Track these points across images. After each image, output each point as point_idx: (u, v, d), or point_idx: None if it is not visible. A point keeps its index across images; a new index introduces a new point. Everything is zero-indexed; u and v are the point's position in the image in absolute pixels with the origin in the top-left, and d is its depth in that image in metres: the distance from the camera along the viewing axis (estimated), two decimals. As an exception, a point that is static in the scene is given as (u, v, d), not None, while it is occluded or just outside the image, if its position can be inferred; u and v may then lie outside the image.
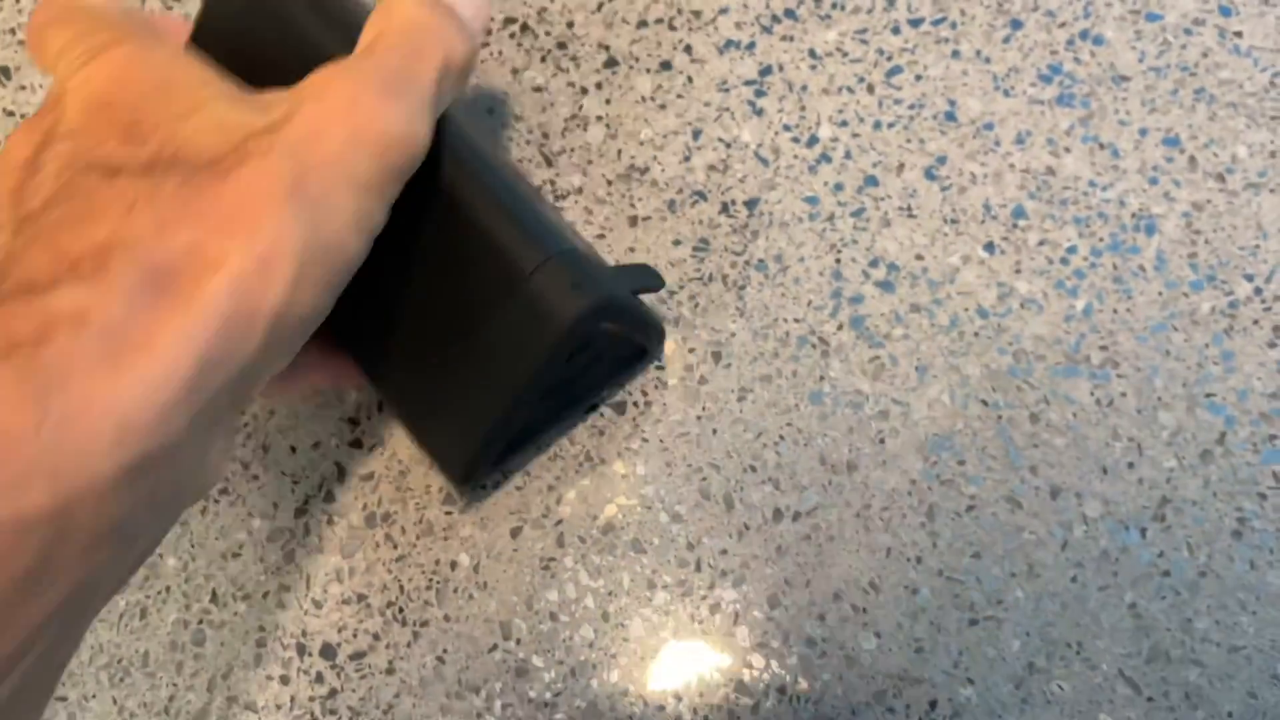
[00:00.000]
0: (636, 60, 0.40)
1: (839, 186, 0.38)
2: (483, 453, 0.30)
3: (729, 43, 0.40)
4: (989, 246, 0.37)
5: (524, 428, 0.34)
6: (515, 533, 0.35)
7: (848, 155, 0.38)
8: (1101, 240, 0.37)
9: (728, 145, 0.39)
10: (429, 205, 0.27)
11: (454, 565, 0.35)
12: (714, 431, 0.36)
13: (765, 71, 0.40)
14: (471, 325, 0.27)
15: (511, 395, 0.28)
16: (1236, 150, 0.38)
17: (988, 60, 0.39)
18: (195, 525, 0.36)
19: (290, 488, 0.36)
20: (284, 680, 0.35)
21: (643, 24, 0.40)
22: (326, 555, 0.35)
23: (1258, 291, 0.36)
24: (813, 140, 0.39)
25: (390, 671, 0.34)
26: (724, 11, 0.40)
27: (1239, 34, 0.39)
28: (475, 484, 0.35)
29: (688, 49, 0.40)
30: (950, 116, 0.39)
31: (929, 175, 0.38)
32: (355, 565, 0.35)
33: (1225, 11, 0.40)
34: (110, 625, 0.35)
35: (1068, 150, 0.38)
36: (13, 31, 0.42)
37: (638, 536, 0.35)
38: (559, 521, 0.35)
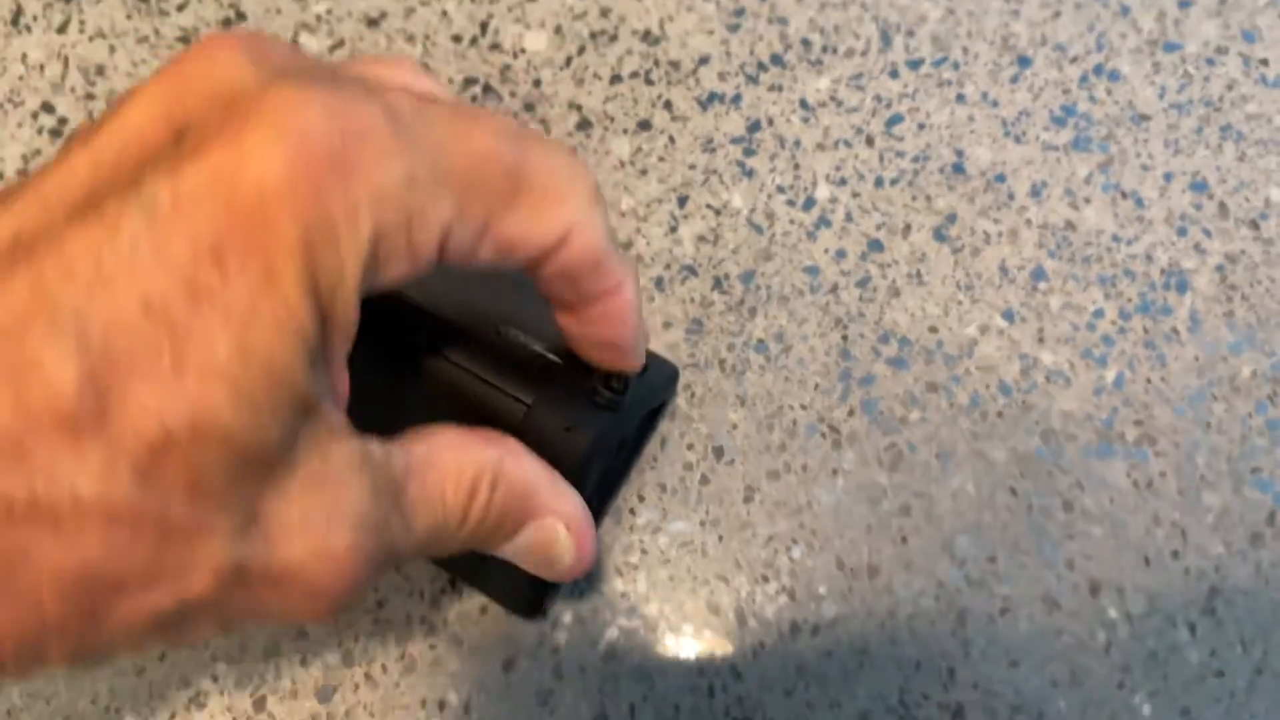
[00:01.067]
0: (612, 120, 0.36)
1: (841, 253, 0.35)
2: (542, 586, 0.29)
3: (712, 96, 0.36)
4: (1008, 314, 0.34)
5: None
6: (508, 665, 0.32)
7: (848, 217, 0.35)
8: (1130, 301, 0.34)
9: (717, 212, 0.35)
10: (417, 367, 0.25)
11: (442, 705, 0.32)
12: (720, 538, 0.32)
13: (754, 127, 0.36)
14: None
15: None
16: (1270, 193, 0.35)
17: (995, 103, 0.36)
18: (152, 673, 0.32)
19: (256, 623, 0.32)
20: (262, 840, 0.31)
21: (616, 79, 0.37)
22: (301, 700, 0.32)
23: (1301, 350, 0.34)
24: (809, 202, 0.35)
25: (379, 825, 0.31)
26: (704, 61, 0.37)
27: (1265, 62, 0.36)
28: (546, 613, 0.32)
29: (667, 105, 0.36)
30: (958, 169, 0.35)
31: (938, 236, 0.35)
32: (334, 710, 0.32)
33: (1249, 37, 0.36)
34: (64, 793, 0.31)
35: (1088, 201, 0.35)
36: None
37: (642, 662, 0.32)
38: (555, 650, 0.32)
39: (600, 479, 0.31)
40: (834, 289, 0.34)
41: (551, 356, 0.27)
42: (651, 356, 0.31)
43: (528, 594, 0.29)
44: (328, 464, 0.18)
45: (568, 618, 0.32)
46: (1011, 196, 0.35)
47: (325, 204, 0.17)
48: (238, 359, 0.16)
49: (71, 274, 0.15)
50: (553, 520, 0.24)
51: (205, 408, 0.16)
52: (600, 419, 0.26)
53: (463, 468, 0.21)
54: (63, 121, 0.36)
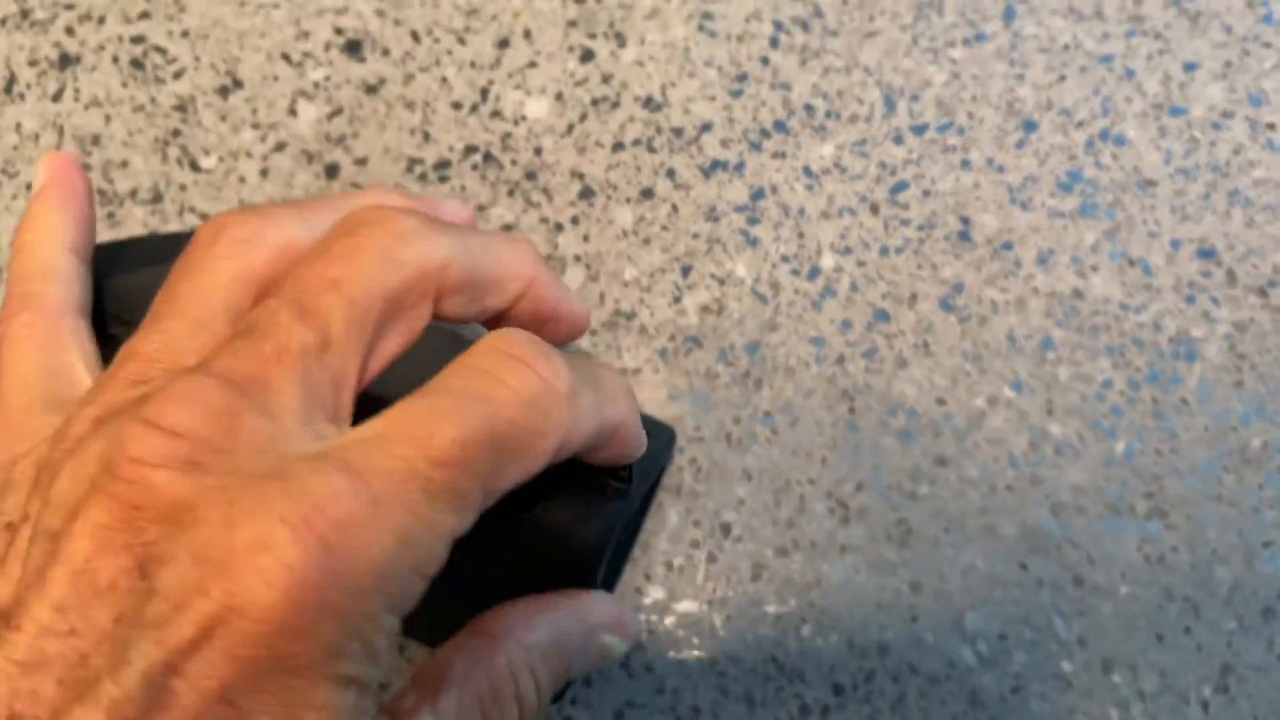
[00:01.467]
0: (614, 189, 0.36)
1: (847, 324, 0.34)
2: None
3: (715, 163, 0.36)
4: (1016, 384, 0.34)
5: None
6: (515, 750, 0.31)
7: (854, 287, 0.35)
8: (1138, 370, 0.34)
9: (721, 282, 0.35)
10: None
11: (448, 792, 0.31)
12: (728, 618, 0.32)
13: (757, 195, 0.36)
14: (500, 582, 0.25)
15: None
16: (1278, 260, 0.35)
17: (1001, 169, 0.36)
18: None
19: None
20: None
21: (619, 146, 0.36)
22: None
23: (1311, 420, 0.33)
24: (814, 272, 0.35)
25: None
26: (707, 128, 0.36)
27: (1272, 126, 0.36)
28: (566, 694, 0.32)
29: (670, 173, 0.36)
30: (964, 236, 0.35)
31: (945, 306, 0.35)
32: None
33: (1255, 101, 0.36)
34: None
35: (1095, 269, 0.35)
36: None
37: (651, 745, 0.31)
38: (563, 734, 0.31)
39: (610, 558, 0.31)
40: (840, 360, 0.34)
41: None
42: (648, 422, 0.31)
43: None
44: None
45: (573, 704, 0.32)
46: (1018, 265, 0.35)
47: (333, 618, 0.16)
48: None
49: None
50: (593, 636, 0.24)
51: None
52: (610, 509, 0.26)
53: (499, 696, 0.21)
54: (58, 193, 0.36)
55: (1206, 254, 0.35)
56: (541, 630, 0.23)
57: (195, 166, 0.36)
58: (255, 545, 0.16)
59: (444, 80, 0.37)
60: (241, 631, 0.15)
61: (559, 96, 0.37)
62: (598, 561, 0.25)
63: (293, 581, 0.15)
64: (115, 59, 0.37)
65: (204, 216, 0.36)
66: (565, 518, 0.25)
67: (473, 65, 0.37)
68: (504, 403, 0.19)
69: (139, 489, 0.16)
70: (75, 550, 0.16)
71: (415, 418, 0.18)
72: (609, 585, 0.32)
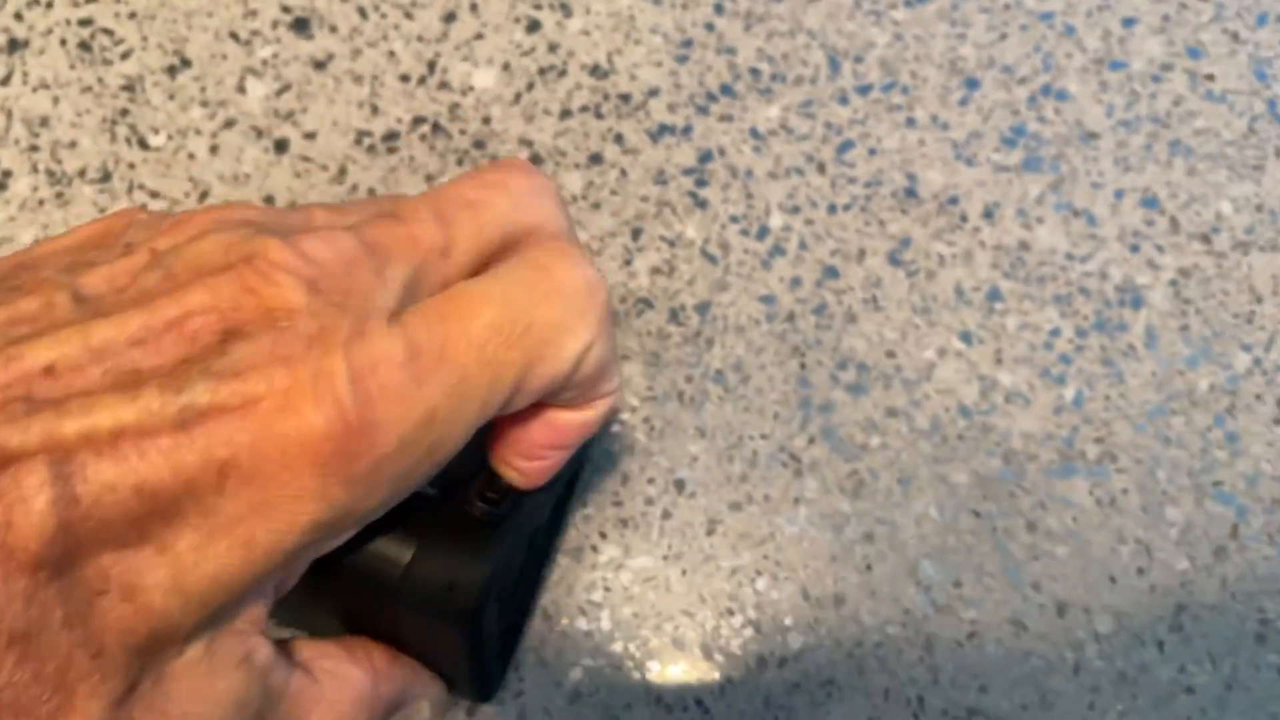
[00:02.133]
0: (563, 155, 0.36)
1: (796, 281, 0.35)
2: (481, 679, 0.28)
3: (663, 128, 0.36)
4: (965, 336, 0.34)
5: (511, 623, 0.31)
6: (471, 711, 0.31)
7: (802, 245, 0.35)
8: (1086, 319, 0.34)
9: (671, 244, 0.35)
10: None
11: (406, 754, 0.31)
12: (683, 573, 0.32)
13: (705, 158, 0.36)
14: (395, 620, 0.24)
15: (463, 662, 0.26)
16: (1220, 207, 0.35)
17: (945, 126, 0.36)
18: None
19: None
20: None
21: (566, 114, 0.36)
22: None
23: (1257, 362, 0.34)
24: (763, 231, 0.35)
25: None
26: (654, 93, 0.37)
27: (1210, 77, 0.36)
28: (497, 691, 0.31)
29: (618, 138, 0.36)
30: (910, 193, 0.35)
31: (893, 260, 0.35)
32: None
33: (1193, 53, 0.37)
34: None
35: (1040, 220, 0.35)
36: None
37: (608, 702, 0.31)
38: (519, 694, 0.31)
39: (517, 575, 0.29)
40: (790, 317, 0.34)
41: (425, 490, 0.23)
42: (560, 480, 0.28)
43: (475, 681, 0.28)
44: (214, 655, 0.19)
45: (530, 660, 0.31)
46: (964, 219, 0.35)
47: (345, 463, 0.18)
48: (194, 560, 0.17)
49: (90, 439, 0.16)
50: (420, 703, 0.25)
51: (145, 586, 0.17)
52: (488, 560, 0.23)
53: (337, 703, 0.22)
54: (7, 174, 0.36)
55: (1150, 203, 0.35)
56: (391, 689, 0.24)
57: (144, 145, 0.36)
58: (323, 371, 0.18)
59: (391, 54, 0.37)
60: (272, 429, 0.17)
61: (506, 66, 0.37)
62: (481, 603, 0.23)
63: (336, 416, 0.17)
64: (63, 41, 0.37)
65: (154, 194, 0.36)
66: (437, 579, 0.23)
67: (420, 39, 0.37)
68: (545, 293, 0.20)
69: (262, 280, 0.18)
70: (189, 297, 0.18)
71: (465, 297, 0.20)
72: (523, 611, 0.31)
